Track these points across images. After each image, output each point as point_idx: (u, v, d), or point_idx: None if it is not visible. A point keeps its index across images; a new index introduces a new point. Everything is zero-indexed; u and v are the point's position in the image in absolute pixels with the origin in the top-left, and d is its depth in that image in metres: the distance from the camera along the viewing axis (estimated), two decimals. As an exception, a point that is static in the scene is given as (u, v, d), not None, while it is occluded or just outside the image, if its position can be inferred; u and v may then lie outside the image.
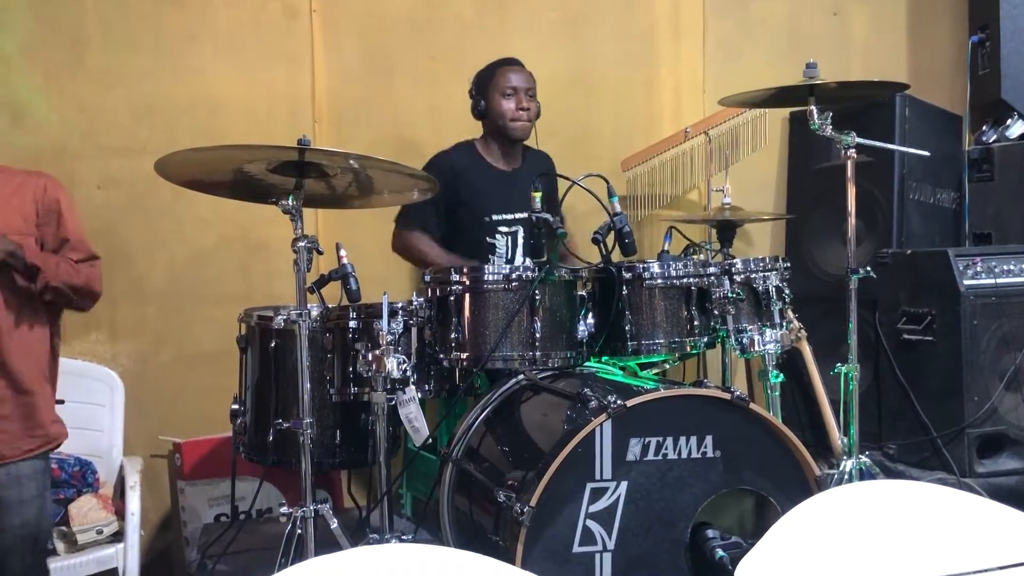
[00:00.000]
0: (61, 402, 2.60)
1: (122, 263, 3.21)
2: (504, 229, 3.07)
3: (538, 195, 2.40)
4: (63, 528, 2.72)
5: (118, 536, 2.75)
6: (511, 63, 3.10)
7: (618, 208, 2.46)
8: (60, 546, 2.68)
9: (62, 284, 2.32)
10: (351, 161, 2.17)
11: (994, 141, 3.63)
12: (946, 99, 3.84)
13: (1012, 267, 3.11)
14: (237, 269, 3.35)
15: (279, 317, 2.22)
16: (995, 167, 3.57)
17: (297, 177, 2.15)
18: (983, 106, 3.73)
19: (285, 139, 2.13)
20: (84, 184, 3.17)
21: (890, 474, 3.06)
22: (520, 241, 3.09)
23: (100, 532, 2.74)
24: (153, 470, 3.21)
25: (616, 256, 2.48)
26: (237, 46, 3.32)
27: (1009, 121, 3.62)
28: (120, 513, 2.79)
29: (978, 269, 3.08)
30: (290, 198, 2.11)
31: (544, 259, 2.37)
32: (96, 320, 3.17)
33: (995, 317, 3.05)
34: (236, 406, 2.62)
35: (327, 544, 2.13)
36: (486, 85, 3.07)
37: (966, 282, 3.05)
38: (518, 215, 3.05)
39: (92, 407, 3.05)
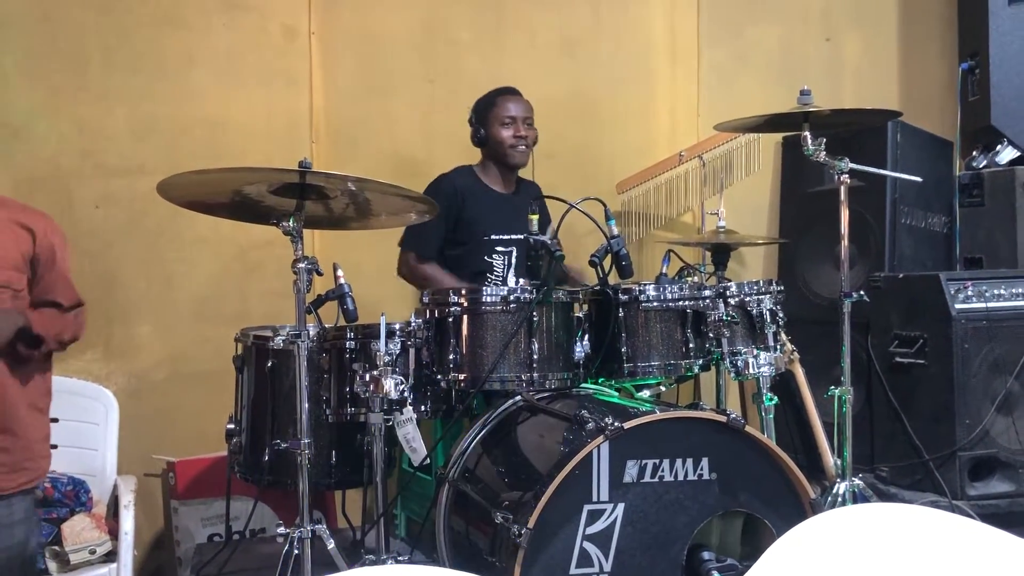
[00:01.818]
0: (55, 420, 2.59)
1: (118, 281, 3.22)
2: (501, 248, 3.13)
3: (535, 218, 2.43)
4: (55, 548, 2.70)
5: (111, 556, 2.73)
6: (510, 92, 3.17)
7: (615, 231, 2.49)
8: (52, 566, 2.65)
9: (56, 344, 2.36)
10: (350, 184, 2.18)
11: (984, 167, 3.67)
12: (937, 125, 3.88)
13: (1003, 291, 3.14)
14: (233, 288, 3.35)
15: (278, 337, 2.23)
16: (985, 192, 3.61)
17: (298, 199, 2.16)
18: (973, 132, 3.77)
19: (283, 159, 2.15)
20: (82, 203, 3.18)
21: (883, 496, 3.07)
22: (515, 261, 3.14)
23: (93, 552, 2.71)
24: (147, 489, 3.19)
25: (613, 278, 2.50)
26: (236, 67, 3.35)
27: (999, 147, 3.66)
28: (113, 532, 2.77)
29: (969, 293, 3.11)
30: (291, 220, 2.12)
31: (541, 281, 2.39)
32: (91, 338, 3.17)
33: (986, 341, 3.07)
34: (231, 426, 2.61)
35: (323, 565, 2.13)
36: (486, 114, 3.14)
37: (958, 306, 3.07)
38: (515, 236, 3.10)
39: (86, 426, 3.03)
